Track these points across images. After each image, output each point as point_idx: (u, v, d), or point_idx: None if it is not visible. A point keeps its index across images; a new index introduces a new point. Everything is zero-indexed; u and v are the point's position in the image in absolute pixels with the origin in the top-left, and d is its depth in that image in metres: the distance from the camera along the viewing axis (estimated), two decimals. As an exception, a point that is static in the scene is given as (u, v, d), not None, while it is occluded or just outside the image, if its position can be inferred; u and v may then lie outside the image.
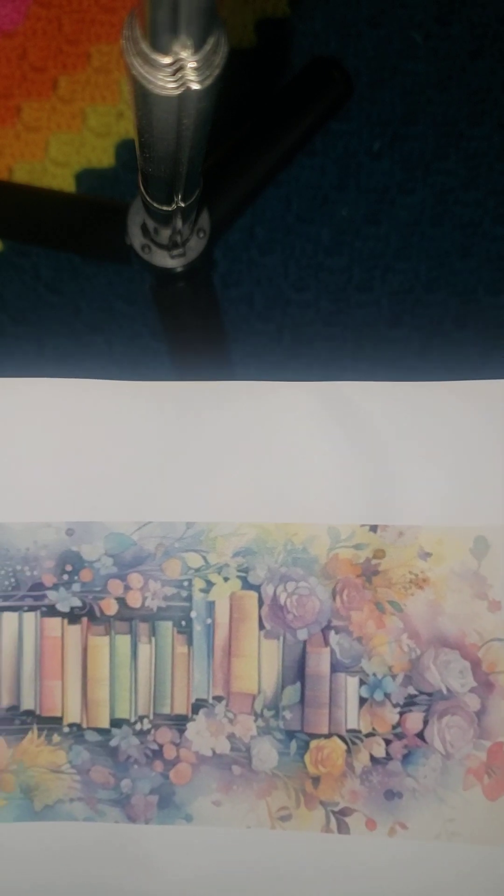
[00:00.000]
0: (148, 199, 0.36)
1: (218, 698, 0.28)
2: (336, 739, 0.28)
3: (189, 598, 0.28)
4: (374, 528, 0.28)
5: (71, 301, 0.52)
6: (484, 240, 0.55)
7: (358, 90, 0.53)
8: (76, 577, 0.28)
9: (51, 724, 0.28)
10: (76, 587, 0.28)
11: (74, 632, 0.28)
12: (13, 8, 0.50)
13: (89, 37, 0.51)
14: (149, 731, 0.28)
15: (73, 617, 0.28)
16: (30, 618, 0.28)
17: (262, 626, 0.28)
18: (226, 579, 0.28)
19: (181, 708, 0.28)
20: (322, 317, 0.53)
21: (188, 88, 0.22)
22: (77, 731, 0.28)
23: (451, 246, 0.54)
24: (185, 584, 0.28)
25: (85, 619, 0.28)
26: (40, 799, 0.28)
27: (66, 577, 0.28)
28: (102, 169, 0.51)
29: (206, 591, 0.28)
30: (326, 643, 0.28)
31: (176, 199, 0.35)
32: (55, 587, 0.28)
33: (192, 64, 0.22)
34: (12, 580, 0.28)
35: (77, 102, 0.51)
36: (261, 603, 0.28)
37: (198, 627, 0.28)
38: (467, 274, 0.55)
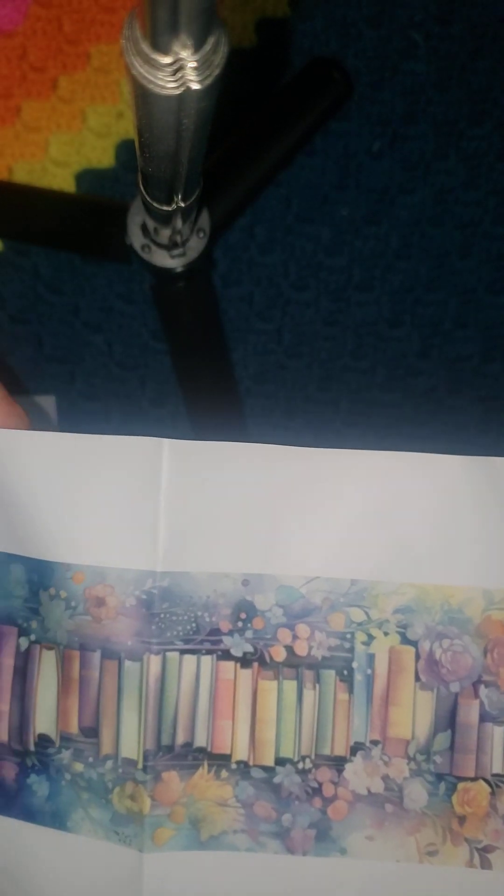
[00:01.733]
0: (148, 198, 0.36)
1: (374, 742, 0.30)
2: (481, 782, 0.30)
3: (351, 650, 0.30)
4: None
5: (71, 301, 0.52)
6: (484, 239, 0.55)
7: (358, 90, 0.53)
8: (249, 625, 0.30)
9: (220, 760, 0.30)
10: (249, 634, 0.30)
11: (246, 675, 0.30)
12: (13, 8, 0.50)
13: (89, 37, 0.51)
14: (310, 770, 0.30)
15: (245, 661, 0.30)
16: (207, 661, 0.30)
17: (417, 679, 0.30)
18: (385, 634, 0.30)
19: (340, 750, 0.30)
20: (322, 316, 0.53)
21: (188, 88, 0.22)
22: (244, 767, 0.30)
23: (451, 245, 0.54)
24: (348, 636, 0.30)
25: (256, 664, 0.30)
26: (207, 830, 0.30)
27: (240, 624, 0.30)
28: (102, 169, 0.51)
29: (367, 643, 0.30)
30: (476, 695, 0.30)
31: (176, 199, 0.35)
32: (230, 633, 0.30)
33: (192, 64, 0.22)
34: (193, 625, 0.30)
35: (77, 102, 0.51)
36: (417, 657, 0.30)
37: (358, 677, 0.30)
38: (467, 273, 0.55)
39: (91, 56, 0.51)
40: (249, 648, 0.30)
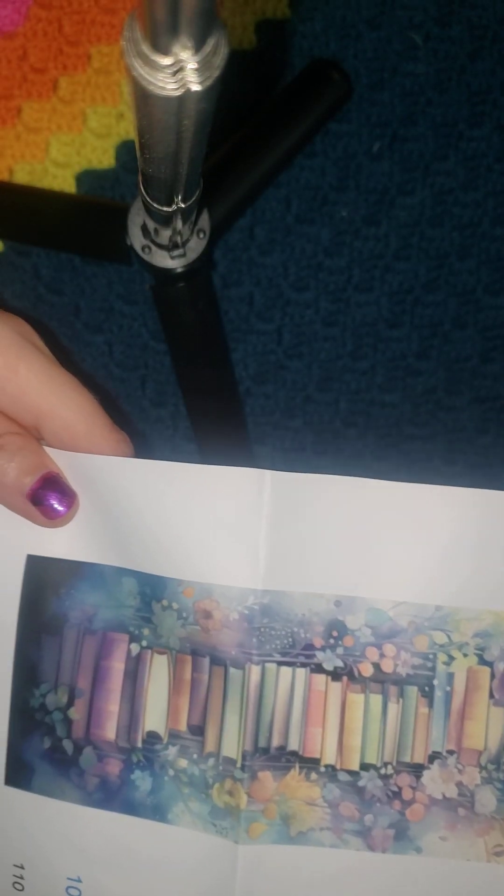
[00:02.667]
0: (148, 199, 0.36)
1: (450, 752, 0.33)
2: None
3: (433, 669, 0.33)
4: None
5: (71, 301, 0.52)
6: (483, 240, 0.55)
7: (358, 91, 0.53)
8: (340, 642, 0.33)
9: (310, 763, 0.32)
10: (340, 650, 0.33)
11: (336, 688, 0.33)
12: (13, 9, 0.51)
13: (90, 38, 0.51)
14: (391, 775, 0.33)
15: (335, 675, 0.32)
16: (301, 673, 0.32)
17: (491, 696, 0.33)
18: (465, 655, 0.33)
19: (419, 758, 0.32)
20: (322, 317, 0.54)
21: (188, 89, 0.22)
22: (332, 771, 0.32)
23: (450, 246, 0.54)
24: (431, 656, 0.33)
25: (345, 678, 0.33)
26: (296, 826, 0.33)
27: (332, 641, 0.33)
28: (103, 170, 0.51)
29: (447, 663, 0.33)
30: None
31: (176, 200, 0.35)
32: (323, 649, 0.33)
33: (192, 65, 0.22)
34: (290, 640, 0.32)
35: (77, 103, 0.51)
36: (492, 676, 0.33)
37: (438, 693, 0.33)
38: (467, 274, 0.55)
39: (91, 57, 0.51)
40: (340, 663, 0.33)
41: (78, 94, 0.51)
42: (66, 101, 0.51)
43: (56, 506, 0.32)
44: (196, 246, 0.44)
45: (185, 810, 0.32)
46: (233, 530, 0.31)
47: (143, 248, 0.44)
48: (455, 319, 0.55)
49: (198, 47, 0.22)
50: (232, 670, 0.32)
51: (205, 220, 0.44)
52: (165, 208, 0.36)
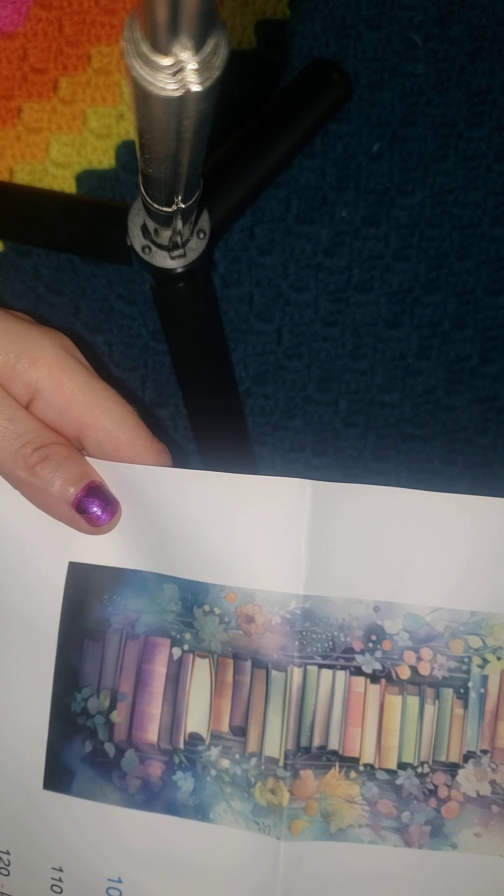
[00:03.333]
0: (148, 200, 0.36)
1: (484, 751, 0.34)
2: None
3: (468, 672, 0.34)
4: None
5: (71, 301, 0.52)
6: (483, 240, 0.55)
7: (357, 91, 0.53)
8: (378, 646, 0.34)
9: (350, 762, 0.34)
10: (378, 654, 0.34)
11: (374, 690, 0.34)
12: (14, 10, 0.51)
13: (90, 38, 0.51)
14: (428, 774, 0.34)
15: (374, 678, 0.34)
16: (341, 675, 0.34)
17: None
18: (499, 658, 0.34)
19: (454, 757, 0.34)
20: (321, 317, 0.54)
21: (188, 90, 0.22)
22: (370, 770, 0.34)
23: (450, 247, 0.54)
24: (466, 660, 0.34)
25: (383, 681, 0.34)
26: (336, 823, 0.34)
27: (370, 644, 0.34)
28: (103, 170, 0.51)
29: (481, 666, 0.34)
30: None
31: (176, 201, 0.35)
32: (362, 652, 0.34)
33: (192, 65, 0.22)
34: (330, 643, 0.34)
35: (78, 104, 0.51)
36: None
37: (473, 695, 0.34)
38: (466, 275, 0.55)
39: (91, 57, 0.51)
40: (378, 666, 0.34)
41: (78, 94, 0.51)
42: (67, 101, 0.51)
43: (100, 513, 0.33)
44: (196, 246, 0.44)
45: (228, 809, 0.33)
46: (275, 538, 0.32)
47: (143, 249, 0.44)
48: (455, 319, 0.55)
49: (198, 48, 0.22)
50: (274, 672, 0.33)
51: (205, 221, 0.44)
52: (165, 209, 0.36)
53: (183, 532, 0.33)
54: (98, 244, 0.49)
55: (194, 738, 0.33)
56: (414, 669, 0.34)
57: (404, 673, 0.34)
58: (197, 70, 0.22)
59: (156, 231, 0.42)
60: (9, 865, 0.34)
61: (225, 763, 0.33)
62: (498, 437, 0.56)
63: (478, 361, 0.55)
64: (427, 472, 0.55)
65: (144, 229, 0.43)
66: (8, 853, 0.34)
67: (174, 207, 0.36)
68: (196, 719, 0.33)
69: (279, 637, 0.33)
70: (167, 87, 0.22)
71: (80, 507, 0.32)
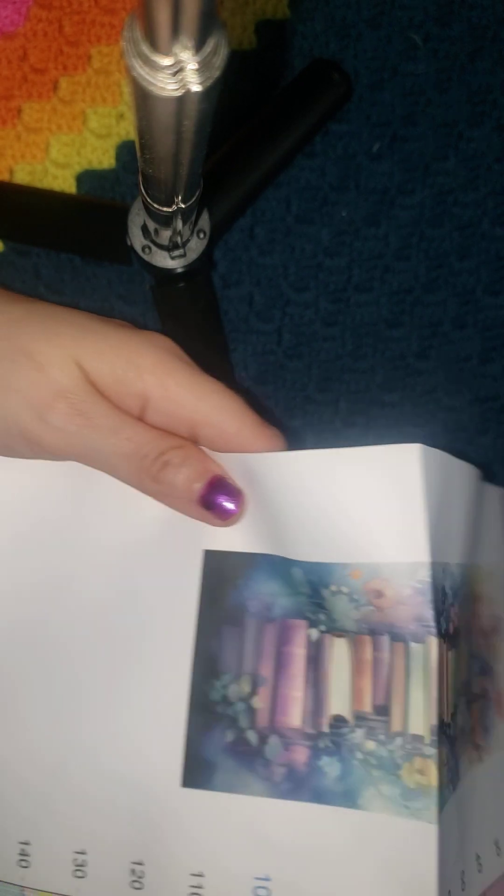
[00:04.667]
0: (148, 200, 0.36)
1: None
2: None
3: None
4: None
5: (71, 301, 0.52)
6: (483, 240, 0.55)
7: (358, 91, 0.53)
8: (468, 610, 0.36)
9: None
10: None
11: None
12: (14, 10, 0.51)
13: (90, 38, 0.51)
14: None
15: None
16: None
17: None
18: None
19: None
20: (321, 317, 0.54)
21: (188, 90, 0.22)
22: None
23: (450, 246, 0.54)
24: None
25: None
26: None
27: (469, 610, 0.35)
28: (103, 170, 0.51)
29: None
30: None
31: (176, 201, 0.35)
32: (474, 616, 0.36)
33: (192, 66, 0.22)
34: (460, 610, 0.34)
35: (78, 104, 0.51)
36: None
37: None
38: (466, 274, 0.55)
39: (92, 57, 0.51)
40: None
41: (78, 94, 0.51)
42: (67, 101, 0.51)
43: (227, 505, 0.34)
44: (196, 246, 0.44)
45: (377, 794, 0.31)
46: (391, 507, 0.31)
47: (143, 249, 0.44)
48: (455, 319, 0.55)
49: (198, 48, 0.22)
50: (413, 645, 0.31)
51: (205, 221, 0.44)
52: (165, 209, 0.36)
53: (298, 514, 0.32)
54: (98, 244, 0.49)
55: (338, 721, 0.32)
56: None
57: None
58: (197, 70, 0.22)
59: (156, 231, 0.42)
60: (143, 878, 0.32)
61: (371, 745, 0.31)
62: (498, 436, 0.56)
63: (478, 361, 0.55)
64: (427, 472, 0.55)
65: (144, 229, 0.43)
66: (142, 864, 0.32)
67: (174, 207, 0.36)
68: (338, 700, 0.32)
69: (413, 608, 0.31)
70: (167, 87, 0.22)
71: (207, 503, 0.33)
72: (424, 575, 0.31)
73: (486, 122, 0.54)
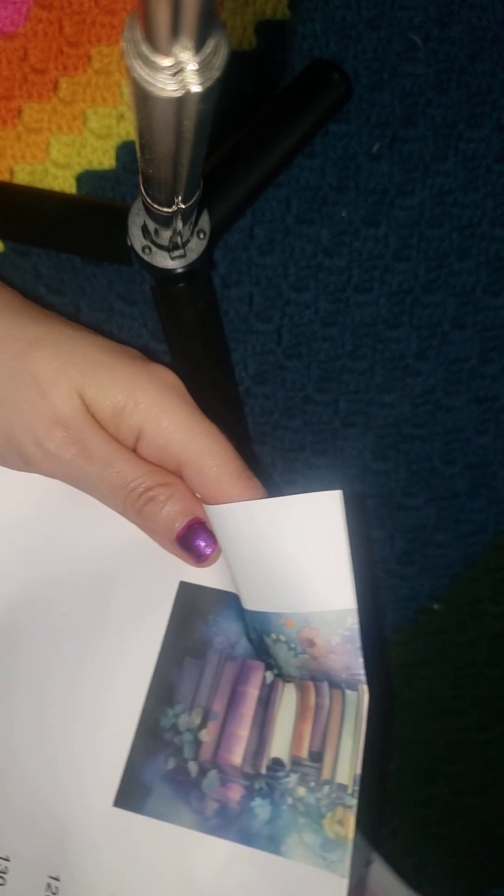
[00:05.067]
0: (148, 200, 0.36)
1: None
2: None
3: None
4: None
5: (71, 301, 0.52)
6: (482, 241, 0.55)
7: (357, 92, 0.53)
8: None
9: None
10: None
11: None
12: (14, 10, 0.51)
13: (90, 39, 0.51)
14: None
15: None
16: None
17: None
18: None
19: None
20: (321, 317, 0.54)
21: (188, 91, 0.23)
22: None
23: (449, 247, 0.54)
24: None
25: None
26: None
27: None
28: (103, 170, 0.51)
29: None
30: None
31: (176, 201, 0.35)
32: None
33: (192, 66, 0.22)
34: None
35: (78, 104, 0.51)
36: None
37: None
38: (466, 275, 0.55)
39: (92, 58, 0.51)
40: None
41: (78, 94, 0.51)
42: (67, 101, 0.51)
43: (203, 548, 0.35)
44: (196, 246, 0.44)
45: (299, 842, 0.31)
46: (318, 555, 0.32)
47: (143, 249, 0.44)
48: (454, 320, 0.55)
49: (198, 48, 0.22)
50: (348, 693, 0.32)
51: (205, 221, 0.44)
52: (166, 209, 0.36)
53: (242, 563, 0.33)
54: (98, 244, 0.49)
55: (276, 764, 0.32)
56: None
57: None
58: (197, 71, 0.22)
59: (156, 231, 0.42)
60: (56, 893, 0.32)
61: (301, 791, 0.32)
62: (497, 437, 0.56)
63: (477, 362, 0.55)
64: (426, 472, 0.55)
65: (144, 230, 0.43)
66: (58, 879, 0.32)
67: (174, 208, 0.36)
68: (280, 744, 0.33)
69: (342, 656, 0.32)
70: (167, 87, 0.22)
71: (185, 544, 0.35)
72: (352, 622, 0.32)
73: (485, 122, 0.54)
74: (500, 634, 0.57)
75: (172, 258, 0.44)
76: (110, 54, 0.51)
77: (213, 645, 0.34)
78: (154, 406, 0.35)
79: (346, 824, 0.31)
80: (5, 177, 0.51)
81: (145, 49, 0.22)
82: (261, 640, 0.33)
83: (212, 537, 0.35)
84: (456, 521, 0.56)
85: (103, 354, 0.36)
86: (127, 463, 0.35)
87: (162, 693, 0.34)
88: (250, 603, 0.33)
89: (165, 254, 0.44)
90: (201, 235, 0.44)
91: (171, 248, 0.43)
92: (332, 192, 0.53)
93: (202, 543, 0.35)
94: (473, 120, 0.54)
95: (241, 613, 0.34)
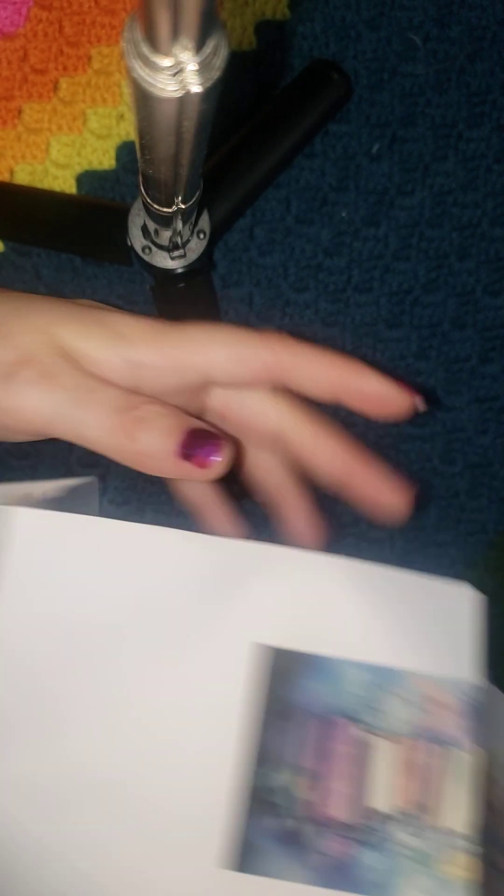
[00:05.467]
0: (148, 200, 0.36)
1: None
2: None
3: None
4: None
5: (71, 302, 0.52)
6: (482, 241, 0.55)
7: (357, 92, 0.53)
8: None
9: None
10: None
11: None
12: (14, 10, 0.51)
13: (90, 39, 0.51)
14: None
15: None
16: None
17: None
18: None
19: None
20: (321, 317, 0.54)
21: (188, 91, 0.23)
22: None
23: (449, 247, 0.54)
24: None
25: None
26: None
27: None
28: (103, 171, 0.51)
29: None
30: None
31: (176, 201, 0.35)
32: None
33: (192, 66, 0.22)
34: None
35: (78, 104, 0.51)
36: None
37: None
38: (466, 275, 0.55)
39: (92, 58, 0.51)
40: None
41: (78, 95, 0.51)
42: (67, 102, 0.51)
43: (208, 455, 0.31)
44: (196, 247, 0.44)
45: (413, 886, 0.32)
46: (440, 631, 0.34)
47: (143, 249, 0.44)
48: (454, 320, 0.55)
49: (198, 49, 0.22)
50: (456, 750, 0.33)
51: (205, 221, 0.44)
52: (166, 209, 0.36)
53: (364, 618, 0.34)
54: (98, 244, 0.49)
55: (378, 814, 0.33)
56: None
57: None
58: (197, 71, 0.22)
59: (156, 232, 0.42)
60: None
61: (409, 839, 0.32)
62: (497, 437, 0.56)
63: (477, 361, 0.55)
64: (426, 472, 0.55)
65: (144, 230, 0.43)
66: None
67: (174, 208, 0.36)
68: (379, 795, 0.33)
69: (458, 717, 0.33)
70: (167, 88, 0.22)
71: (187, 455, 0.31)
72: (469, 689, 0.33)
73: (485, 122, 0.54)
74: (501, 634, 0.57)
75: (172, 258, 0.44)
76: (110, 54, 0.51)
77: (296, 703, 0.34)
78: (146, 335, 0.35)
79: (466, 867, 0.32)
80: (5, 177, 0.51)
81: (145, 49, 0.22)
82: (368, 692, 0.34)
83: (215, 443, 0.32)
84: (456, 520, 0.56)
85: (68, 304, 0.36)
86: (106, 388, 0.32)
87: (249, 753, 0.34)
88: (369, 655, 0.34)
89: (165, 254, 0.44)
90: (201, 235, 0.44)
91: (171, 248, 0.43)
92: (332, 192, 0.53)
93: (206, 451, 0.31)
94: (473, 120, 0.54)
95: (327, 670, 0.35)
